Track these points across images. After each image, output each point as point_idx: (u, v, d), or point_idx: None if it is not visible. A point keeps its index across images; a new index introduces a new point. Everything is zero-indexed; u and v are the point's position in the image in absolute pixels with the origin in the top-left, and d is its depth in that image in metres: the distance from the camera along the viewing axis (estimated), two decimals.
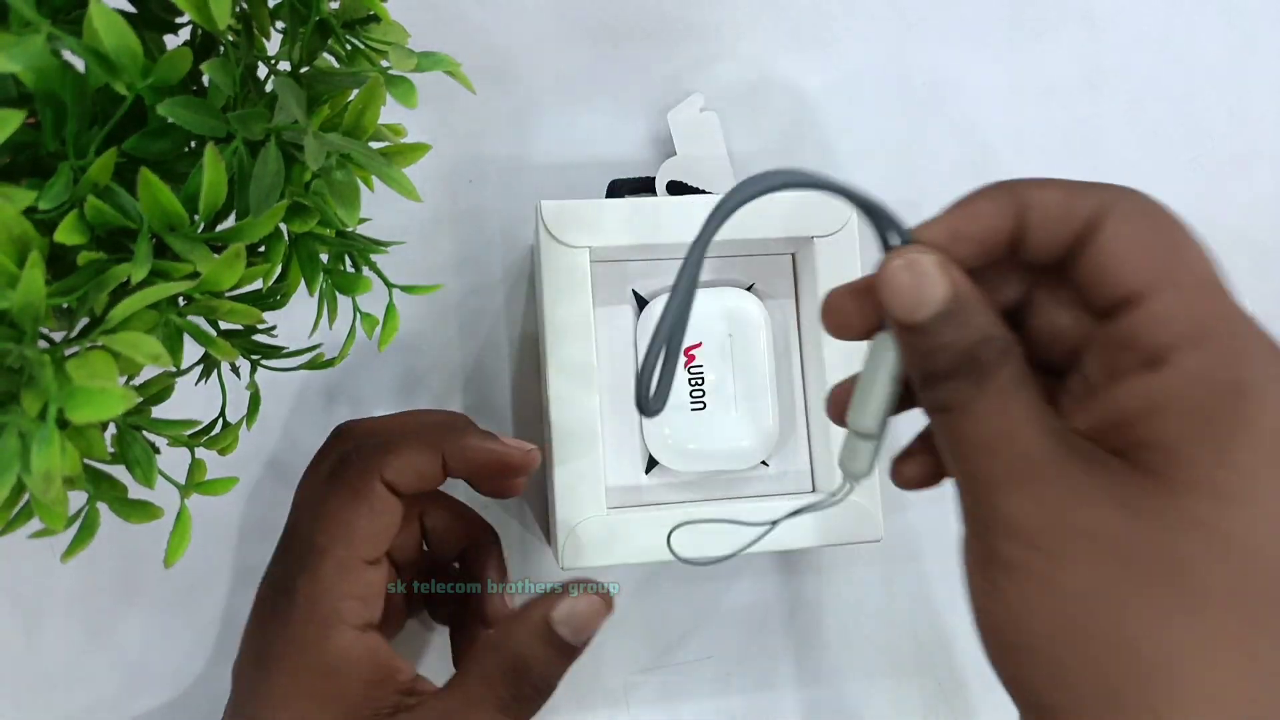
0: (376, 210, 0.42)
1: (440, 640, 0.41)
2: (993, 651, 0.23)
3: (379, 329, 0.28)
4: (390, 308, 0.28)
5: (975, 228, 0.24)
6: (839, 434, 0.38)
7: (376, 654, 0.31)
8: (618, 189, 0.43)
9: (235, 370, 0.30)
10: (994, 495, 0.22)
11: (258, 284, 0.24)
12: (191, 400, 0.27)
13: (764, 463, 0.40)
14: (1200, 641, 0.20)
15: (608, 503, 0.37)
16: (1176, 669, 0.20)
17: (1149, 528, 0.20)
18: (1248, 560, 0.20)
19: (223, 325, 0.25)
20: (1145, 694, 0.20)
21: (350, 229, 0.25)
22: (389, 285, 0.28)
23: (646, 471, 0.40)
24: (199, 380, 0.28)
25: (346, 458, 0.33)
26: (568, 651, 0.31)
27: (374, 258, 0.28)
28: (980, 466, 0.23)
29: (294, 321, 0.29)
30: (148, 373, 0.23)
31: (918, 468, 0.27)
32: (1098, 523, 0.21)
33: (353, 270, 0.28)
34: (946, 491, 0.26)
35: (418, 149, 0.27)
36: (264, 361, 0.28)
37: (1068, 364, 0.25)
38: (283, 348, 0.28)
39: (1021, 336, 0.25)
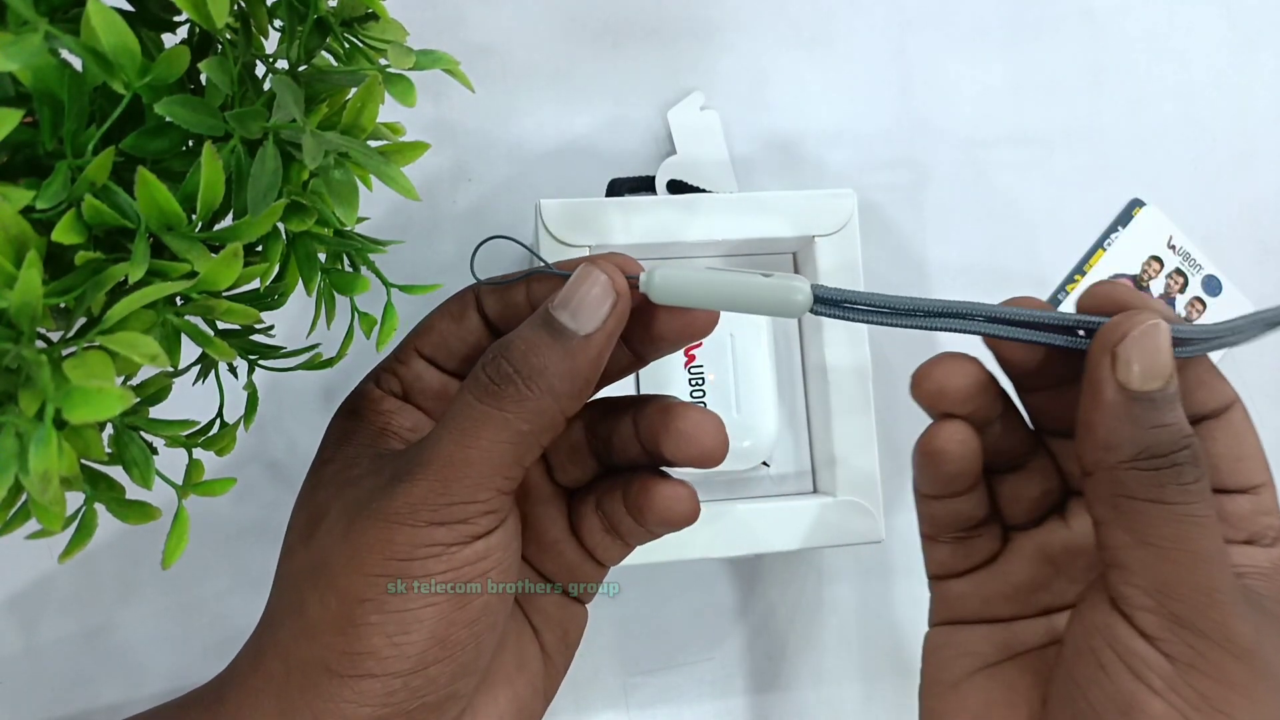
0: (375, 209, 0.42)
1: None
2: None
3: (377, 329, 0.28)
4: (389, 307, 0.28)
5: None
6: (839, 434, 0.38)
7: (380, 403, 0.28)
8: (618, 188, 0.43)
9: (233, 370, 0.30)
10: (1223, 611, 0.23)
11: (255, 284, 0.24)
12: (189, 401, 0.26)
13: (764, 463, 0.40)
14: None
15: None
16: None
17: None
18: None
19: (220, 325, 0.25)
20: None
21: (348, 228, 0.25)
22: (387, 285, 0.28)
23: None
24: (196, 380, 0.28)
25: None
26: (563, 334, 0.24)
27: (372, 257, 0.28)
28: (1208, 577, 0.23)
29: (292, 321, 0.29)
30: (145, 373, 0.23)
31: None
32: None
33: (351, 270, 0.28)
34: None
35: (416, 147, 0.26)
36: (262, 361, 0.28)
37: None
38: (280, 348, 0.28)
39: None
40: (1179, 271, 0.48)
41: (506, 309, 0.28)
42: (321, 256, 0.26)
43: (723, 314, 0.42)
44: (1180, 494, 0.23)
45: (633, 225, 0.38)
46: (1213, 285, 0.48)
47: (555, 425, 0.25)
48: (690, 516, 0.28)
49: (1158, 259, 0.48)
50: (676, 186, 0.43)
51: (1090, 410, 0.24)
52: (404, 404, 0.28)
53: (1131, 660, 0.23)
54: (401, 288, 0.28)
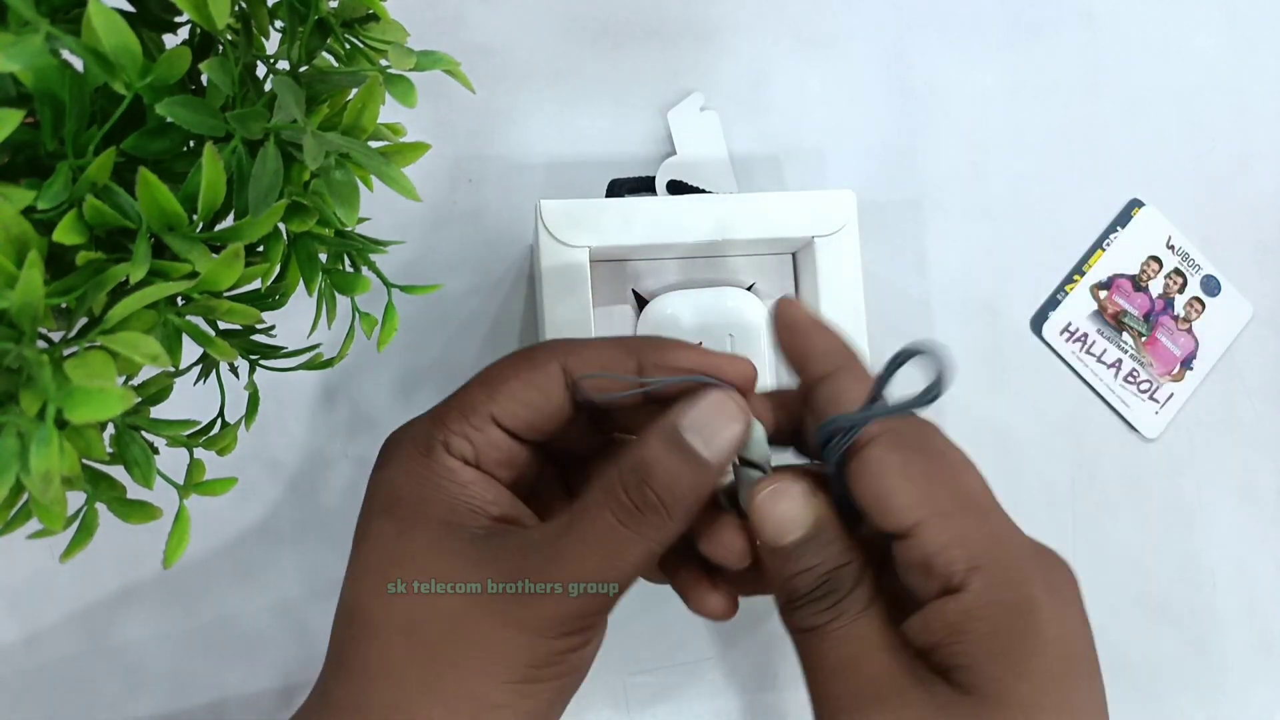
0: (376, 210, 0.42)
1: None
2: None
3: (378, 329, 0.28)
4: (389, 308, 0.28)
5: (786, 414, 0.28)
6: None
7: (484, 489, 0.27)
8: (618, 188, 0.43)
9: (234, 370, 0.30)
10: (843, 717, 0.24)
11: (256, 284, 0.24)
12: (190, 400, 0.26)
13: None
14: None
15: None
16: None
17: None
18: None
19: (221, 325, 0.25)
20: None
21: (349, 229, 0.25)
22: (388, 285, 0.28)
23: None
24: (198, 380, 0.28)
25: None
26: (697, 463, 0.26)
27: (373, 257, 0.28)
28: (832, 689, 0.25)
29: (293, 321, 0.29)
30: (146, 373, 0.23)
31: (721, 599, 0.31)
32: None
33: (352, 270, 0.28)
34: None
35: (417, 148, 0.27)
36: (263, 362, 0.28)
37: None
38: (282, 348, 0.28)
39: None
40: (1178, 271, 0.48)
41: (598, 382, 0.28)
42: (322, 257, 0.27)
43: (720, 313, 0.42)
44: (819, 619, 0.25)
45: (633, 226, 0.38)
46: (1211, 285, 0.48)
47: (672, 543, 0.27)
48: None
49: (1156, 259, 0.48)
50: (676, 187, 0.43)
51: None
52: (481, 474, 0.28)
53: None
54: (402, 288, 0.28)
